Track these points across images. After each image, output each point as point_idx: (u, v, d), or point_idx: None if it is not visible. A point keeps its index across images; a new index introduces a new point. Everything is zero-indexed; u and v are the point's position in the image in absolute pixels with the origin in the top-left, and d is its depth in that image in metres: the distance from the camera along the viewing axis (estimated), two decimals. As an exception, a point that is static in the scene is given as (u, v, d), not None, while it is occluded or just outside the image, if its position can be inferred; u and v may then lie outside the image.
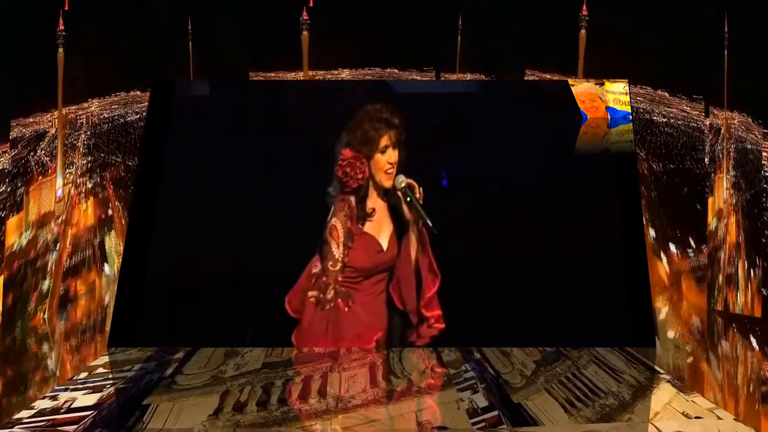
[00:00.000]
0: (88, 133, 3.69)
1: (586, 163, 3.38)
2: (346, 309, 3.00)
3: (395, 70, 3.76)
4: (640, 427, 2.27)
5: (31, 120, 3.59)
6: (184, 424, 2.26)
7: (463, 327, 3.11)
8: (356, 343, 3.00)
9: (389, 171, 3.04)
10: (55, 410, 2.37)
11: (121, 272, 3.29)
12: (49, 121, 3.64)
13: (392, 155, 3.05)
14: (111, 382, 2.68)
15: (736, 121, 3.47)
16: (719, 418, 2.33)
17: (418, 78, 3.78)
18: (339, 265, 3.01)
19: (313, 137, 3.35)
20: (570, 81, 3.52)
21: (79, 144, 3.68)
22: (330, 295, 3.00)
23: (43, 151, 3.61)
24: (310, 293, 3.02)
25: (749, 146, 3.39)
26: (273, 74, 3.78)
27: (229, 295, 3.23)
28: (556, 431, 2.24)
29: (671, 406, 2.45)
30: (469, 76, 3.77)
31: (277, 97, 3.61)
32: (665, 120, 3.62)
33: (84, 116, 3.73)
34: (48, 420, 2.28)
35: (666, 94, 3.62)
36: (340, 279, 3.01)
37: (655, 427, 2.26)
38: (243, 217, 3.32)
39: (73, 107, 3.70)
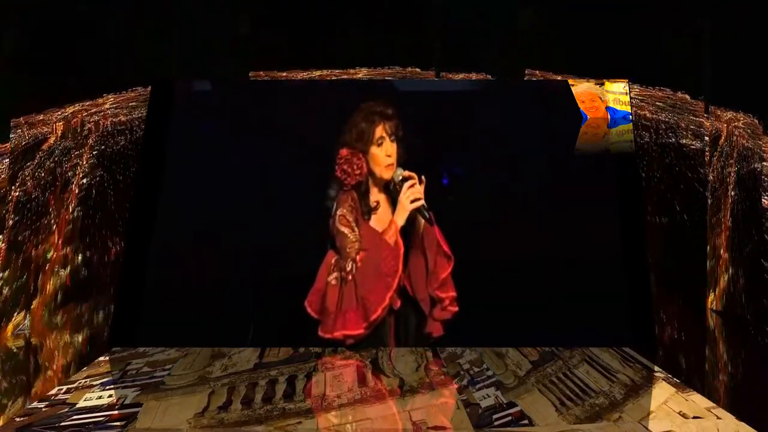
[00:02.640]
0: (95, 151, 3.41)
1: (586, 163, 3.35)
2: (361, 265, 2.95)
3: (417, 69, 3.74)
4: (627, 426, 2.24)
5: (42, 117, 3.31)
6: (169, 423, 2.30)
7: (462, 327, 3.08)
8: (359, 311, 2.94)
9: (388, 164, 3.02)
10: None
11: (121, 272, 3.31)
12: (62, 118, 3.29)
13: (389, 147, 3.02)
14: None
15: (740, 123, 3.38)
16: (718, 417, 2.30)
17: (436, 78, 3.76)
18: (357, 244, 2.97)
19: (313, 137, 3.34)
20: (570, 81, 3.50)
21: (74, 185, 3.33)
22: (349, 267, 2.95)
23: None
24: (330, 278, 2.97)
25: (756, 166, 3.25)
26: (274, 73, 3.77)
27: (229, 296, 3.23)
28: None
29: (667, 406, 2.43)
30: (470, 76, 3.74)
31: (277, 96, 3.61)
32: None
33: (93, 120, 3.42)
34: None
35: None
36: (358, 258, 2.97)
37: (644, 426, 2.24)
38: (243, 218, 3.33)
39: (89, 103, 3.42)
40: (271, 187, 3.38)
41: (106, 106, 3.50)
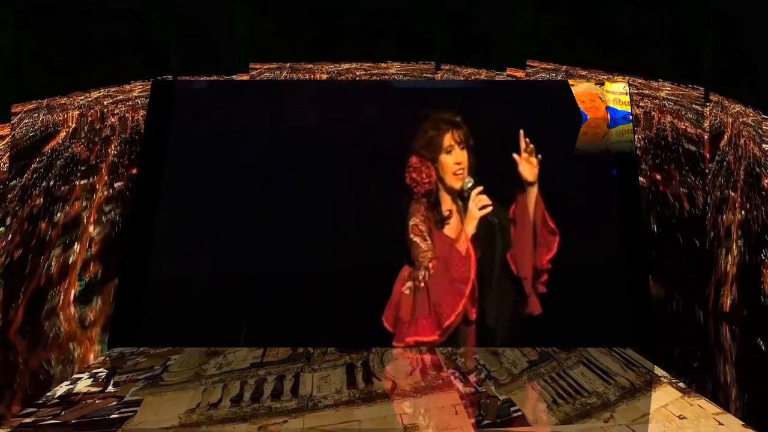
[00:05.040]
0: (114, 187, 2.95)
1: (586, 163, 3.33)
2: (433, 272, 2.94)
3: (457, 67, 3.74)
4: (615, 429, 2.23)
5: (65, 101, 2.92)
6: (163, 417, 2.34)
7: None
8: (432, 318, 2.94)
9: (458, 172, 3.04)
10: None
11: (121, 272, 3.32)
12: (80, 105, 2.80)
13: (459, 156, 3.04)
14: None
15: (750, 120, 3.27)
16: (721, 423, 2.27)
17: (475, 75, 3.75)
18: (429, 253, 2.97)
19: (314, 135, 3.38)
20: (570, 81, 3.48)
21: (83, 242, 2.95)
22: (422, 275, 2.95)
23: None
24: (404, 288, 2.97)
25: None
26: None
27: (229, 296, 3.23)
28: None
29: (666, 409, 2.40)
30: (479, 72, 3.74)
31: (277, 96, 3.62)
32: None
33: (118, 112, 3.08)
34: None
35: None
36: (431, 266, 2.96)
37: (631, 429, 2.22)
38: (243, 217, 3.34)
39: (114, 88, 3.08)
40: (271, 187, 3.39)
41: (134, 93, 3.30)
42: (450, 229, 3.03)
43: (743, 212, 3.04)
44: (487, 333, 3.02)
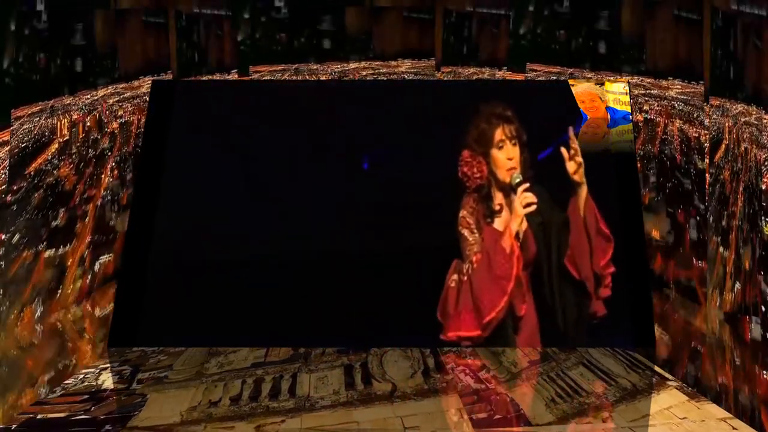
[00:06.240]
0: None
1: (586, 163, 3.32)
2: (476, 266, 2.95)
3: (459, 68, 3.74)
4: (615, 429, 2.23)
5: (71, 101, 2.69)
6: (166, 414, 2.37)
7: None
8: (475, 312, 2.94)
9: (510, 168, 3.03)
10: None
11: (121, 272, 3.32)
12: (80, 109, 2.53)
13: (510, 151, 3.04)
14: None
15: (753, 119, 3.19)
16: (734, 428, 2.26)
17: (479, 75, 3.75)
18: (476, 246, 2.98)
19: (313, 136, 3.39)
20: (570, 81, 3.48)
21: None
22: (466, 268, 2.96)
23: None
24: (451, 279, 2.98)
25: None
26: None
27: (230, 296, 3.23)
28: None
29: (669, 411, 2.39)
30: (482, 71, 3.74)
31: (277, 96, 3.63)
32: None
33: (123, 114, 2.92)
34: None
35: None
36: (475, 260, 2.97)
37: (631, 429, 2.22)
38: (244, 217, 3.34)
39: (123, 86, 2.88)
40: (272, 187, 3.40)
41: (143, 89, 3.21)
42: (500, 224, 3.03)
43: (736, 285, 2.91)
44: (556, 334, 3.03)
